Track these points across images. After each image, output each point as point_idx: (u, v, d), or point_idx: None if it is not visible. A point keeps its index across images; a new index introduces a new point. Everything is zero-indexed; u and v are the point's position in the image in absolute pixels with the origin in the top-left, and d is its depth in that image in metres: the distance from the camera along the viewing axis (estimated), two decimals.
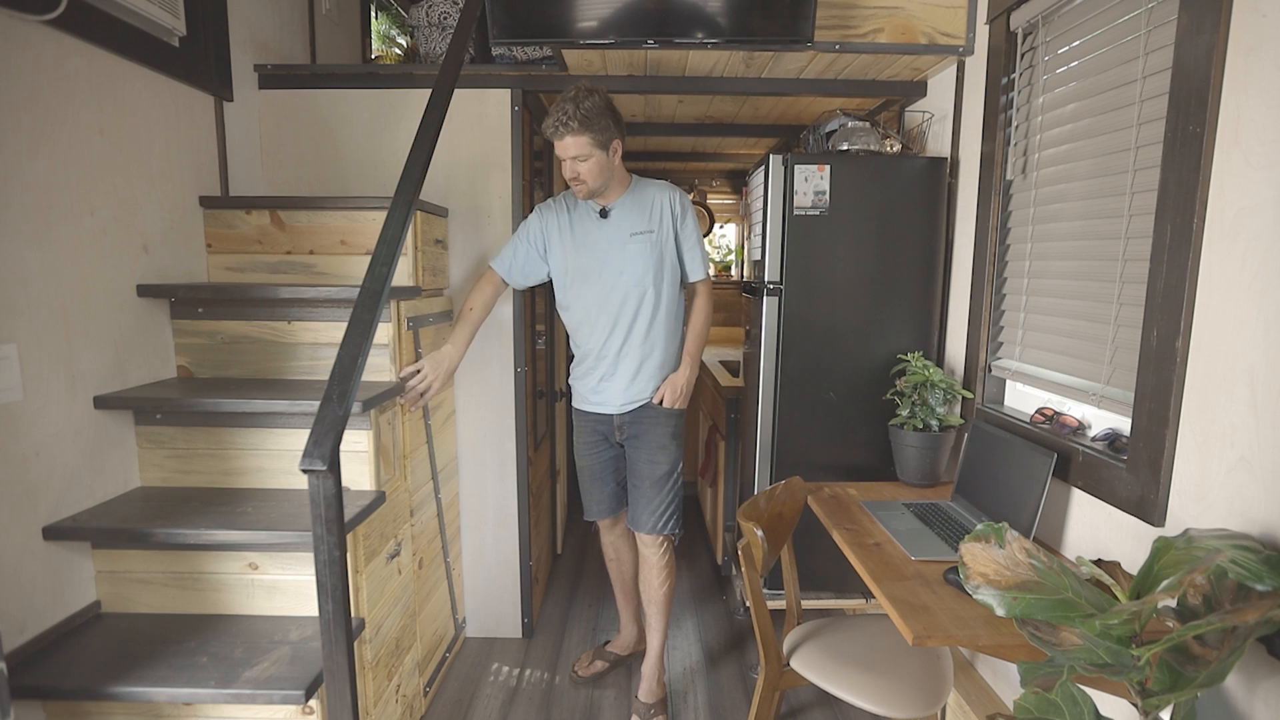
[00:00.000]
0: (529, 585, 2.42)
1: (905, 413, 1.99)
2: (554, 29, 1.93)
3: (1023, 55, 1.81)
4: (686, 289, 2.02)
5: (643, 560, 2.05)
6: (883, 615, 1.72)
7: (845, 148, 2.16)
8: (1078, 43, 1.60)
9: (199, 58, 1.83)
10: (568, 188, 1.96)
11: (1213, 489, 1.18)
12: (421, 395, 1.79)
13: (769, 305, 2.14)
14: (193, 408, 1.53)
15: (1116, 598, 1.01)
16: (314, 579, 1.21)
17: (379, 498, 1.54)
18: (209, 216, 1.87)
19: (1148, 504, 1.31)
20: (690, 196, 1.97)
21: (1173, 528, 1.27)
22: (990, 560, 1.01)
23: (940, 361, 2.22)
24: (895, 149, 2.19)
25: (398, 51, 3.21)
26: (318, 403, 1.18)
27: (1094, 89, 1.54)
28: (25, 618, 1.30)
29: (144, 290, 1.60)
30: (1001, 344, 1.92)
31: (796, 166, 2.07)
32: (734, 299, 4.35)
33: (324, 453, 1.11)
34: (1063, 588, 0.96)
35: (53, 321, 1.36)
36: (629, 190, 1.92)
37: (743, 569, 1.58)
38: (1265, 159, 1.08)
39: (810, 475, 2.09)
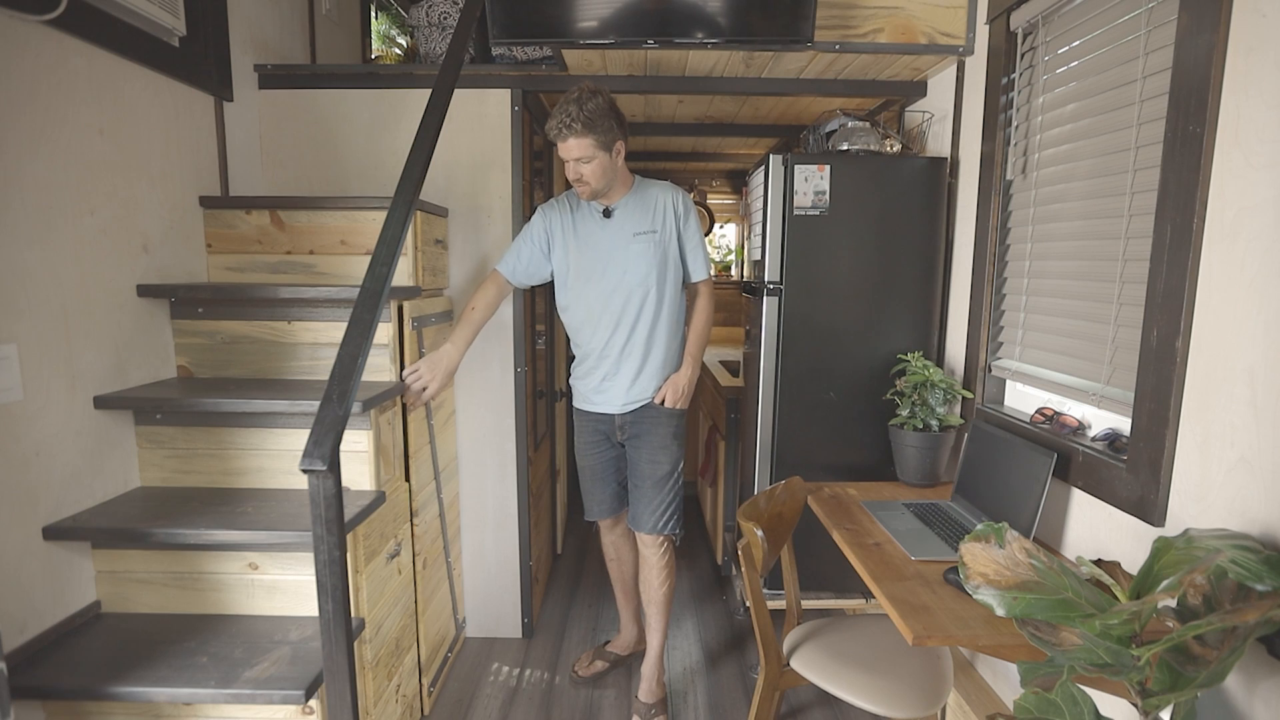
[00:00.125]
0: (529, 585, 2.42)
1: (905, 413, 1.99)
2: (554, 29, 1.93)
3: (1023, 55, 1.81)
4: (688, 289, 2.02)
5: (643, 560, 2.05)
6: (883, 615, 1.72)
7: (845, 148, 2.16)
8: (1078, 43, 1.60)
9: (199, 58, 1.83)
10: (569, 187, 1.96)
11: (1213, 489, 1.18)
12: (420, 395, 1.80)
13: (769, 305, 2.14)
14: (193, 408, 1.53)
15: (1116, 598, 1.01)
16: (314, 579, 1.21)
17: (379, 498, 1.54)
18: (209, 216, 1.87)
19: (1148, 504, 1.31)
20: (690, 196, 1.96)
21: (1173, 528, 1.27)
22: (990, 560, 1.01)
23: (940, 361, 2.22)
24: (895, 149, 2.19)
25: (398, 51, 3.21)
26: (318, 403, 1.18)
27: (1094, 89, 1.54)
28: (25, 618, 1.30)
29: (144, 290, 1.60)
30: (1001, 344, 1.92)
31: (796, 166, 2.07)
32: (734, 299, 4.35)
33: (324, 453, 1.11)
34: (1063, 588, 0.96)
35: (53, 321, 1.36)
36: (632, 190, 1.92)
37: (743, 569, 1.58)
38: (1265, 159, 1.08)
39: (810, 475, 2.09)
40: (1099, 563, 1.27)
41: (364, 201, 1.88)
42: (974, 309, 2.00)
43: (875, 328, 2.16)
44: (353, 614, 1.39)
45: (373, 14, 3.09)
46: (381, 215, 1.87)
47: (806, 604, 2.20)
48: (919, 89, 2.33)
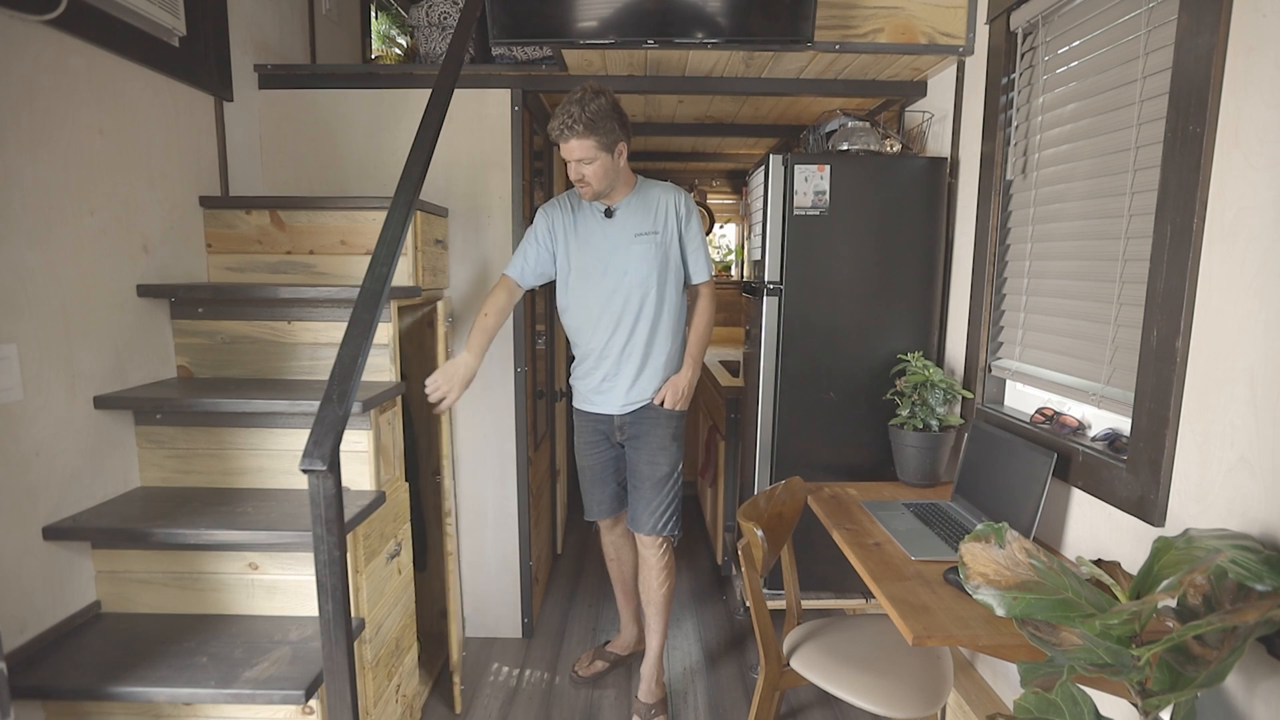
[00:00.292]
0: (529, 585, 2.42)
1: (905, 413, 1.99)
2: (554, 29, 1.93)
3: (1023, 55, 1.81)
4: (689, 291, 2.02)
5: (642, 561, 2.05)
6: (883, 615, 1.72)
7: (845, 148, 2.16)
8: (1078, 43, 1.60)
9: (199, 58, 1.83)
10: (569, 187, 1.96)
11: (1213, 489, 1.18)
12: (440, 405, 1.81)
13: (769, 305, 2.14)
14: (193, 408, 1.52)
15: (1116, 598, 1.01)
16: (314, 579, 1.20)
17: (379, 498, 1.54)
18: (209, 216, 1.87)
19: (1148, 504, 1.31)
20: (692, 197, 1.96)
21: (1173, 528, 1.27)
22: (990, 560, 1.01)
23: (940, 361, 2.22)
24: (895, 149, 2.19)
25: (398, 51, 3.21)
26: (318, 403, 1.18)
27: (1094, 89, 1.54)
28: (25, 618, 1.30)
29: (144, 290, 1.60)
30: (1001, 344, 1.92)
31: (796, 166, 2.07)
32: (734, 299, 4.35)
33: (324, 453, 1.11)
34: (1063, 588, 0.96)
35: (53, 321, 1.36)
36: (634, 191, 1.92)
37: (743, 569, 1.58)
38: (1265, 159, 1.08)
39: (810, 475, 2.09)
40: (1099, 563, 1.27)
41: (364, 201, 1.88)
42: (974, 309, 2.00)
43: (875, 328, 2.16)
44: (353, 614, 1.39)
45: (373, 14, 3.09)
46: (381, 215, 1.87)
47: (806, 604, 2.20)
48: (919, 89, 2.33)
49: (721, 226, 4.57)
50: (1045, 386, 1.70)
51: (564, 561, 3.11)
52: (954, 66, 2.12)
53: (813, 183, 2.08)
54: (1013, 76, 1.84)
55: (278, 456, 1.62)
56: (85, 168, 1.44)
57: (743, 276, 4.36)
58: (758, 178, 2.25)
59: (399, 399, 1.76)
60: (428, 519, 2.29)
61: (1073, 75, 1.62)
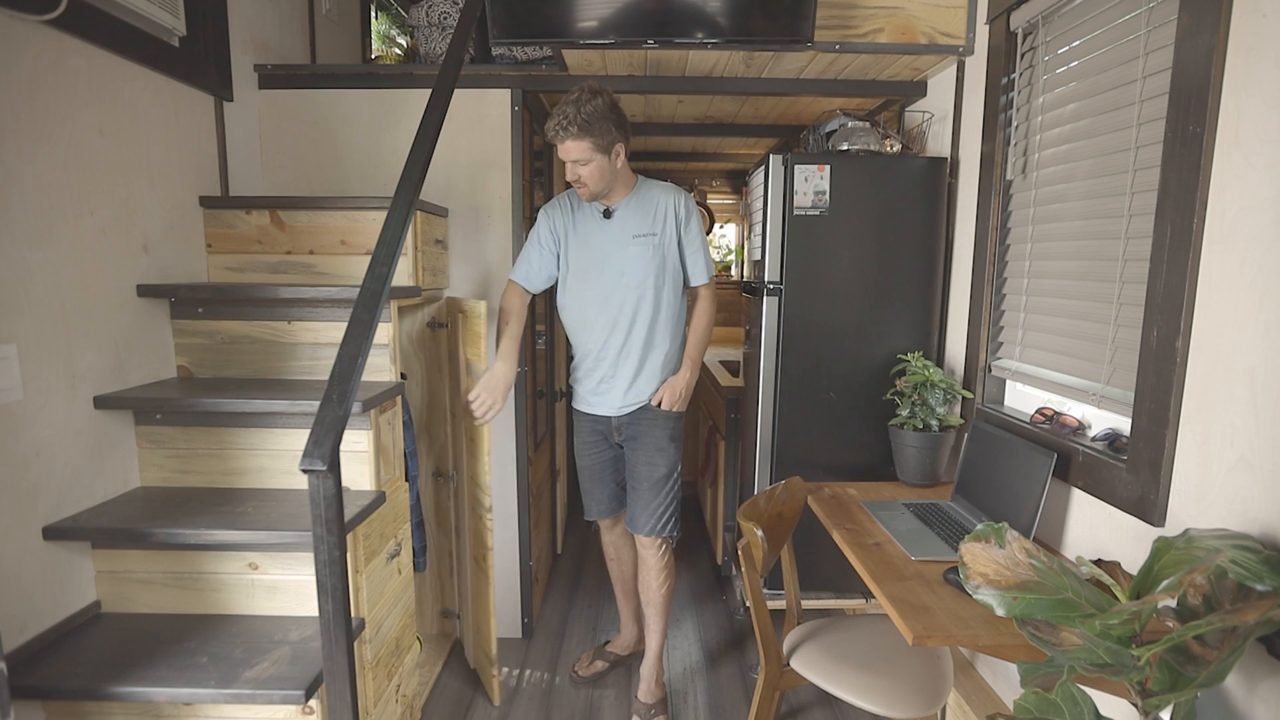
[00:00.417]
0: (529, 585, 2.41)
1: (905, 413, 1.99)
2: (554, 29, 1.93)
3: (1023, 55, 1.81)
4: (690, 292, 2.01)
5: (641, 562, 2.05)
6: (883, 615, 1.72)
7: (845, 148, 2.16)
8: (1078, 43, 1.60)
9: (199, 58, 1.83)
10: (569, 186, 1.96)
11: (1213, 489, 1.18)
12: (485, 415, 1.84)
13: (769, 305, 2.14)
14: (193, 408, 1.53)
15: (1116, 598, 1.01)
16: (314, 579, 1.20)
17: (379, 498, 1.54)
18: (209, 216, 1.87)
19: (1148, 504, 1.31)
20: (692, 198, 1.96)
21: (1173, 528, 1.27)
22: (990, 560, 1.01)
23: (940, 361, 2.22)
24: (895, 149, 2.19)
25: (398, 51, 3.21)
26: (318, 403, 1.18)
27: (1094, 89, 1.54)
28: (25, 618, 1.30)
29: (144, 290, 1.60)
30: (1001, 344, 1.92)
31: (796, 166, 2.07)
32: (734, 299, 4.35)
33: (324, 453, 1.11)
34: (1063, 588, 0.96)
35: (53, 321, 1.36)
36: (633, 192, 1.91)
37: (743, 569, 1.58)
38: (1265, 159, 1.08)
39: (810, 475, 2.09)
40: (1099, 563, 1.27)
41: (364, 201, 1.88)
42: (974, 309, 2.00)
43: (875, 328, 2.16)
44: (353, 614, 1.39)
45: (373, 14, 3.09)
46: (381, 215, 1.87)
47: (806, 604, 2.20)
48: (919, 89, 2.33)
49: (721, 226, 4.57)
50: (1045, 386, 1.70)
51: (564, 561, 3.11)
52: (954, 66, 2.12)
53: (813, 183, 2.08)
54: (1013, 76, 1.84)
55: (278, 456, 1.62)
56: (85, 168, 1.44)
57: (743, 276, 4.36)
58: (758, 178, 2.25)
59: (399, 399, 1.76)
60: (427, 519, 2.29)
61: (1073, 75, 1.62)
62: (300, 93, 2.18)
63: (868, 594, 2.30)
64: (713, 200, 4.48)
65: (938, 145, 2.26)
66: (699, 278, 1.96)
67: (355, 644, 1.44)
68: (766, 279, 2.13)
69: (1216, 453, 1.17)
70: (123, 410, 1.54)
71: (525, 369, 2.28)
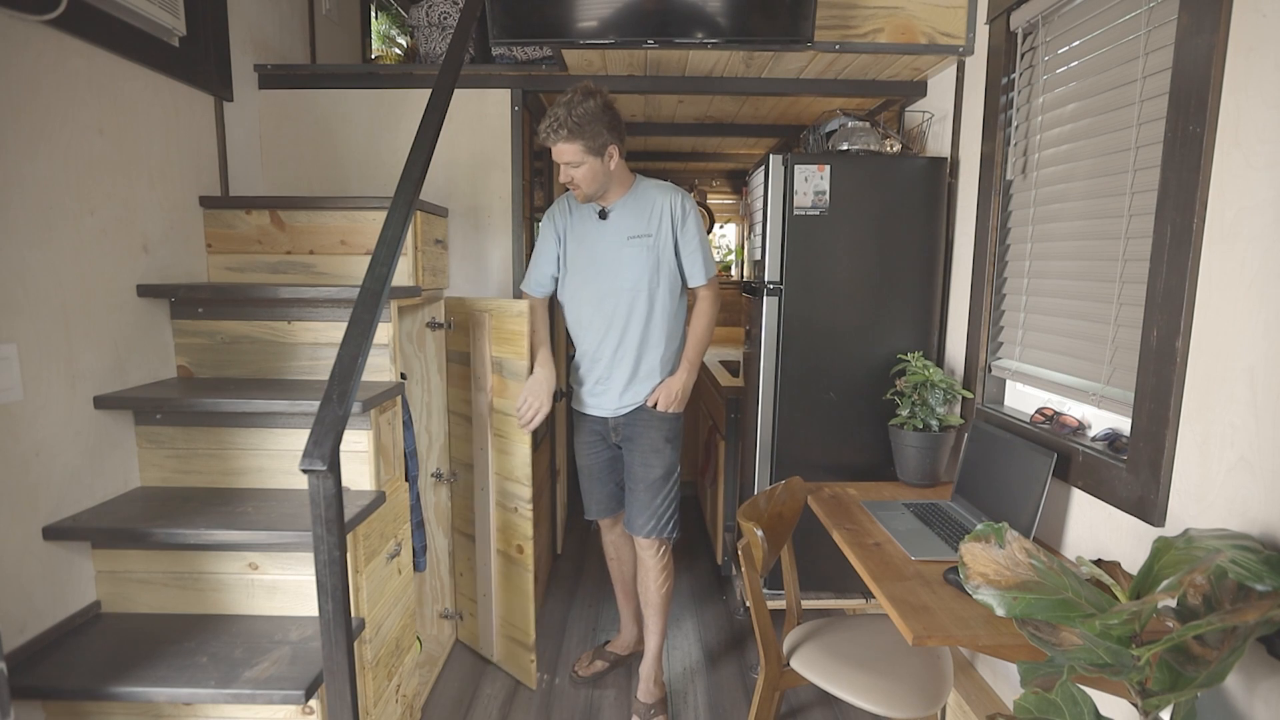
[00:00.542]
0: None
1: (905, 413, 1.99)
2: (554, 29, 1.93)
3: (1023, 55, 1.81)
4: (690, 293, 1.99)
5: (639, 563, 2.05)
6: (883, 615, 1.72)
7: (845, 148, 2.16)
8: (1078, 43, 1.60)
9: (199, 58, 1.83)
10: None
11: (1213, 489, 1.18)
12: (535, 419, 1.92)
13: (769, 305, 2.14)
14: (193, 408, 1.52)
15: (1116, 598, 1.01)
16: (314, 579, 1.20)
17: (379, 498, 1.54)
18: (209, 216, 1.87)
19: (1148, 504, 1.31)
20: (692, 198, 1.95)
21: (1173, 528, 1.27)
22: (990, 560, 1.01)
23: (940, 361, 2.22)
24: (895, 149, 2.19)
25: (398, 51, 3.21)
26: (318, 403, 1.18)
27: (1094, 89, 1.54)
28: (25, 618, 1.30)
29: (144, 290, 1.60)
30: (1001, 344, 1.92)
31: (796, 166, 2.07)
32: (734, 299, 4.35)
33: (324, 453, 1.11)
34: (1063, 588, 0.96)
35: (53, 321, 1.36)
36: (630, 192, 1.90)
37: (743, 569, 1.58)
38: (1265, 159, 1.08)
39: (810, 475, 2.09)
40: (1099, 563, 1.27)
41: (364, 201, 1.88)
42: (974, 309, 2.00)
43: (875, 328, 2.16)
44: (353, 614, 1.39)
45: (373, 14, 3.09)
46: (381, 215, 1.87)
47: (806, 604, 2.20)
48: (919, 89, 2.33)
49: (721, 226, 4.57)
50: (1045, 386, 1.70)
51: (564, 561, 3.11)
52: (954, 66, 2.12)
53: (813, 183, 2.08)
54: (1013, 76, 1.84)
55: (278, 456, 1.62)
56: (85, 168, 1.44)
57: (743, 276, 4.36)
58: (758, 178, 2.25)
59: (399, 399, 1.76)
60: (427, 519, 2.29)
61: (1073, 75, 1.62)
62: (300, 93, 2.18)
63: (868, 594, 2.30)
64: (713, 200, 4.48)
65: (938, 145, 2.26)
66: (696, 279, 1.94)
67: (355, 644, 1.44)
68: (766, 279, 2.13)
69: (1216, 453, 1.17)
70: (123, 410, 1.54)
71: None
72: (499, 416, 2.08)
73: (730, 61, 2.13)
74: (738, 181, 4.45)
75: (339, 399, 1.18)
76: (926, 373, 1.96)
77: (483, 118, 2.18)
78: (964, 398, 2.02)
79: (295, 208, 1.88)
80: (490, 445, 2.12)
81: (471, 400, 2.15)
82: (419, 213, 1.89)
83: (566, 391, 2.19)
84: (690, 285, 1.96)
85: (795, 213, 2.09)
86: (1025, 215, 1.80)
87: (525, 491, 2.03)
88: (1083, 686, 0.99)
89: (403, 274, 1.86)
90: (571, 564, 3.08)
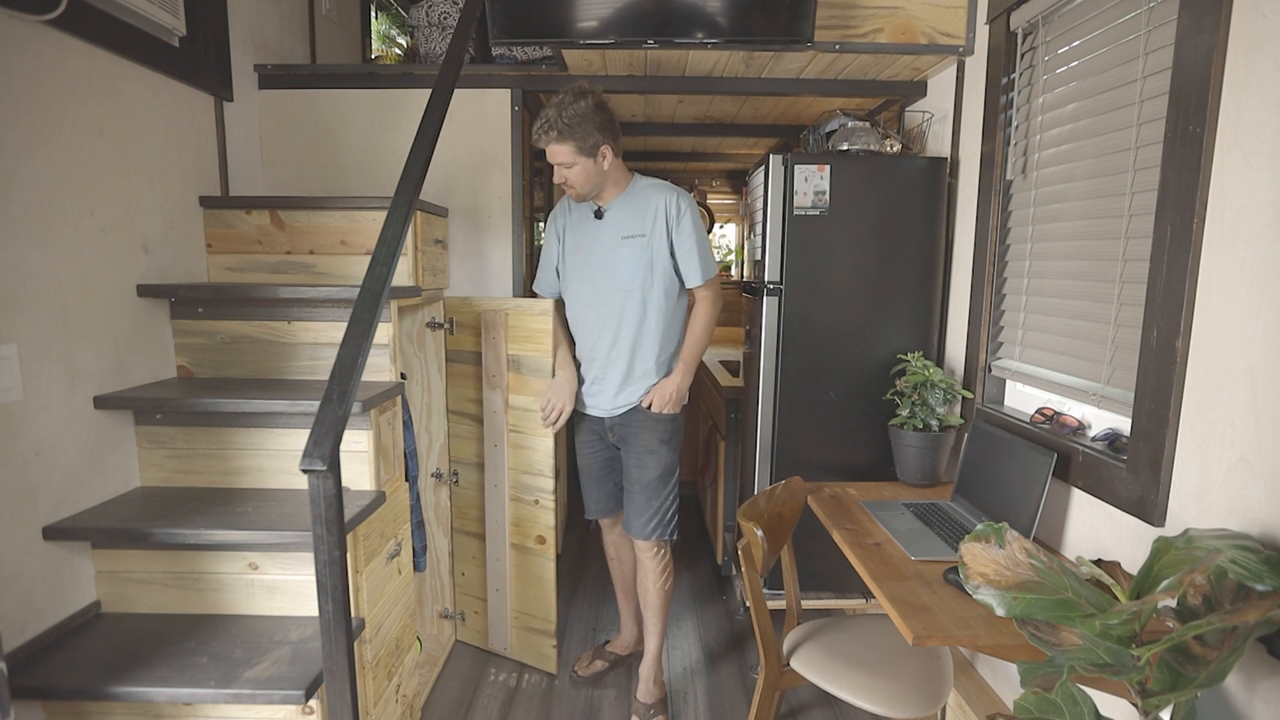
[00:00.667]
0: None
1: (905, 413, 1.99)
2: (554, 29, 1.93)
3: (1023, 55, 1.81)
4: (690, 294, 1.98)
5: (638, 565, 2.05)
6: (883, 615, 1.72)
7: (845, 148, 2.16)
8: (1078, 43, 1.60)
9: (199, 58, 1.83)
10: None
11: (1213, 489, 1.18)
12: (559, 419, 1.98)
13: (769, 305, 2.14)
14: (193, 408, 1.53)
15: (1116, 598, 1.01)
16: (314, 579, 1.20)
17: (379, 498, 1.54)
18: (209, 216, 1.87)
19: (1148, 504, 1.31)
20: (691, 197, 1.95)
21: (1173, 528, 1.27)
22: (990, 560, 1.01)
23: (940, 361, 2.22)
24: (895, 149, 2.19)
25: (398, 51, 3.21)
26: (318, 403, 1.18)
27: (1094, 89, 1.54)
28: (25, 618, 1.30)
29: (144, 290, 1.60)
30: (1001, 344, 1.92)
31: (796, 166, 2.07)
32: (734, 299, 4.35)
33: (324, 453, 1.11)
34: (1063, 588, 0.96)
35: (53, 321, 1.36)
36: (626, 191, 1.90)
37: (743, 569, 1.58)
38: (1265, 159, 1.08)
39: (810, 475, 2.09)
40: (1099, 563, 1.27)
41: (364, 201, 1.88)
42: (974, 309, 2.00)
43: (875, 328, 2.15)
44: (353, 614, 1.39)
45: (373, 14, 3.09)
46: (381, 215, 1.87)
47: (806, 604, 2.20)
48: (919, 89, 2.33)
49: (721, 226, 4.57)
50: (1045, 386, 1.70)
51: (564, 561, 3.11)
52: (954, 66, 2.12)
53: (813, 183, 2.08)
54: (1013, 76, 1.84)
55: (278, 456, 1.62)
56: (85, 168, 1.44)
57: (743, 276, 4.36)
58: (758, 178, 2.25)
59: (399, 399, 1.76)
60: (427, 519, 2.29)
61: (1073, 75, 1.62)
62: (300, 93, 2.18)
63: (868, 594, 2.30)
64: (713, 200, 4.48)
65: (938, 145, 2.26)
66: (693, 279, 1.90)
67: (355, 644, 1.44)
68: (766, 279, 2.13)
69: (1216, 453, 1.17)
70: (123, 410, 1.55)
71: None
72: (515, 413, 2.09)
73: (730, 61, 2.13)
74: (738, 181, 4.45)
75: (339, 399, 1.18)
76: (926, 373, 1.96)
77: (483, 118, 2.18)
78: (964, 398, 2.02)
79: (295, 208, 1.88)
80: (505, 441, 2.12)
81: (483, 398, 2.15)
82: (419, 213, 1.89)
83: None
84: (687, 286, 1.93)
85: (795, 213, 2.09)
86: (1025, 215, 1.80)
87: (547, 483, 2.08)
88: (1083, 686, 0.99)
89: (403, 274, 1.86)
90: (571, 564, 3.08)
